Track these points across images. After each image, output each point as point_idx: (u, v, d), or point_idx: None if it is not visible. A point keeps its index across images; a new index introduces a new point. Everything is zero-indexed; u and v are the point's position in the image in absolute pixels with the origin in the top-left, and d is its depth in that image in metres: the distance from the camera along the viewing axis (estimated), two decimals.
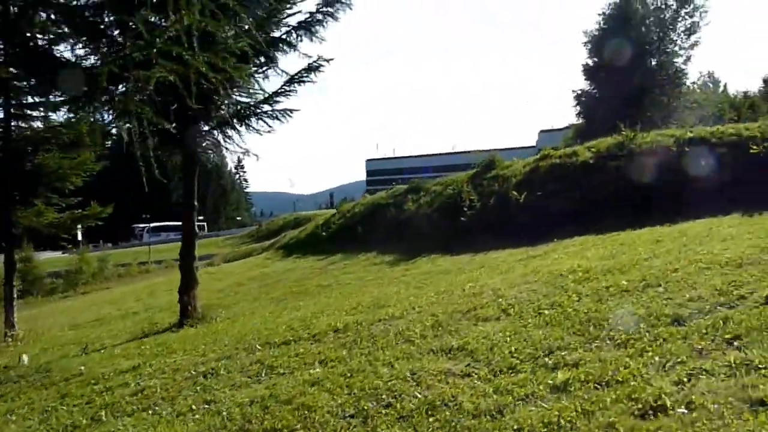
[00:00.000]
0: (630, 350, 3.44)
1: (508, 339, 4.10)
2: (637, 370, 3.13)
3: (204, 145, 8.74)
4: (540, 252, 8.83)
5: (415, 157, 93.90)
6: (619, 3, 29.91)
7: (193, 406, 4.09)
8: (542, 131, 65.40)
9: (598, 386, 3.06)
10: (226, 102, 7.80)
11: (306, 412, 3.52)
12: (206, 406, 4.06)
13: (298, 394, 3.84)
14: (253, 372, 4.58)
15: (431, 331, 4.69)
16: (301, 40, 9.46)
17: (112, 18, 6.37)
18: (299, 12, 9.25)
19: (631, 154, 11.90)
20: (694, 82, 36.88)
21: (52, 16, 8.42)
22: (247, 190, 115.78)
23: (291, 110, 9.41)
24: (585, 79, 31.47)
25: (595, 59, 30.46)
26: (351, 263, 13.57)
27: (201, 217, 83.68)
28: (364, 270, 12.14)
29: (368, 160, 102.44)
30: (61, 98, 6.94)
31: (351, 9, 9.62)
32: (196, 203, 9.24)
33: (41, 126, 11.85)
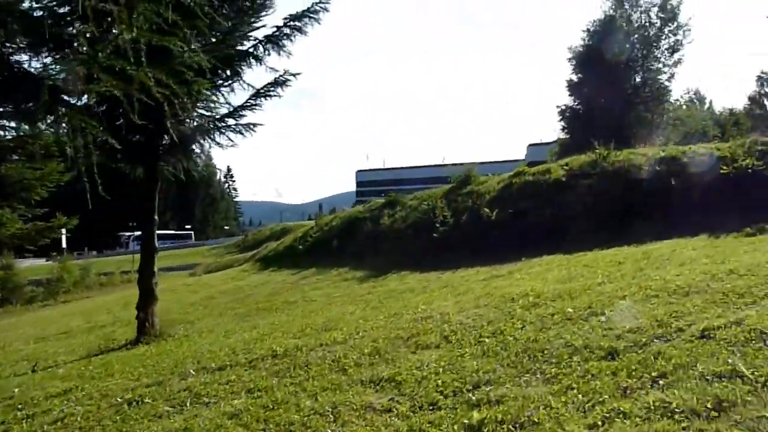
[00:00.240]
0: (556, 386, 3.32)
1: (441, 370, 3.96)
2: (556, 410, 3.00)
3: (164, 160, 8.54)
4: (504, 272, 8.69)
5: (405, 168, 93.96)
6: (604, 20, 30.13)
7: None
8: (531, 145, 65.74)
9: (513, 428, 2.92)
10: (183, 116, 7.62)
11: None
12: None
13: (213, 428, 3.65)
14: (179, 401, 4.37)
15: (367, 359, 4.52)
16: (269, 54, 9.33)
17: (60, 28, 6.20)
18: (264, 26, 9.11)
19: (603, 172, 11.84)
20: (677, 99, 37.06)
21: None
22: (236, 199, 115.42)
23: (254, 124, 9.24)
24: (569, 95, 31.52)
25: (580, 75, 30.57)
26: (323, 278, 13.36)
27: (188, 226, 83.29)
28: (333, 286, 11.94)
29: (358, 171, 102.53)
30: (10, 109, 6.73)
31: (320, 24, 9.49)
32: (156, 218, 9.03)
33: (6, 135, 11.61)
